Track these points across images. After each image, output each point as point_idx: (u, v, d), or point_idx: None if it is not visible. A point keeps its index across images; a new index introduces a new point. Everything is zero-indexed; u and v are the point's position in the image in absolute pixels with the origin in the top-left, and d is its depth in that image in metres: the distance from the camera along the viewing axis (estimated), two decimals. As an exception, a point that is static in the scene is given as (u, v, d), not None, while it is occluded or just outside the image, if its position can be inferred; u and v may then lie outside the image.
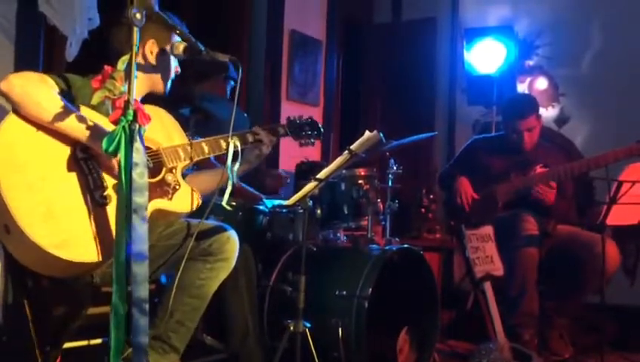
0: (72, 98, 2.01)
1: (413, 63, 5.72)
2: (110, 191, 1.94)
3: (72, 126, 1.88)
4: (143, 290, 1.60)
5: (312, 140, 2.63)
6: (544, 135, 3.56)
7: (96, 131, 1.89)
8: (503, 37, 4.74)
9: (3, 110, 2.69)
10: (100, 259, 1.88)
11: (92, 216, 1.89)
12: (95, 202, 1.92)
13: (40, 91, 1.90)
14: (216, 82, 3.37)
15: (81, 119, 1.89)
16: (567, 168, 3.34)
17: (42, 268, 1.92)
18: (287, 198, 2.58)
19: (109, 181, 1.96)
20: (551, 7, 5.05)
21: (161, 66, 2.25)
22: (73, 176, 1.91)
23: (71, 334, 2.13)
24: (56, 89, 1.98)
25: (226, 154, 2.20)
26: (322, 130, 2.66)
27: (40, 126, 1.90)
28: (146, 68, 2.20)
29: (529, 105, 3.55)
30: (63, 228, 1.84)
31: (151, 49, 2.20)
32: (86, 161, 1.94)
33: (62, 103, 1.88)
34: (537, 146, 3.53)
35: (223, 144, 2.28)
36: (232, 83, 3.40)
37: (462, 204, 3.58)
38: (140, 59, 2.18)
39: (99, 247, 1.87)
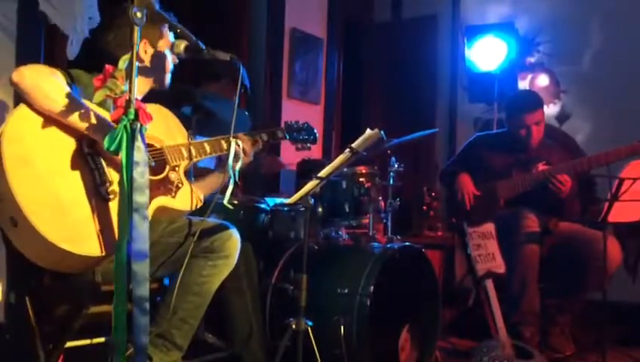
0: (78, 94, 2.02)
1: (414, 61, 5.71)
2: (115, 187, 1.96)
3: (80, 119, 1.90)
4: (143, 289, 1.61)
5: (308, 145, 2.67)
6: (546, 132, 3.56)
7: (103, 125, 1.91)
8: (503, 34, 4.73)
9: (3, 107, 2.69)
10: (104, 253, 1.90)
11: (97, 211, 1.91)
12: (100, 197, 1.94)
13: (50, 83, 1.91)
14: (225, 85, 3.37)
15: (89, 113, 1.91)
16: (570, 166, 3.34)
17: (46, 261, 1.93)
18: (289, 197, 2.58)
19: (115, 177, 1.98)
20: (551, 4, 5.04)
21: (157, 64, 2.27)
22: (80, 170, 1.93)
23: (73, 333, 2.14)
24: (66, 82, 1.99)
25: (227, 154, 2.22)
26: (317, 135, 2.70)
27: (48, 119, 1.91)
28: (142, 68, 2.21)
29: (536, 99, 3.56)
30: (69, 221, 1.86)
31: (145, 49, 2.22)
32: (92, 156, 1.97)
33: (71, 96, 1.90)
34: (540, 144, 3.52)
35: (224, 144, 2.31)
36: (242, 91, 3.40)
37: (463, 200, 3.58)
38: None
39: (102, 242, 1.89)
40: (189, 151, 2.23)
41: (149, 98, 2.28)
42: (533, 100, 3.54)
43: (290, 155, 4.35)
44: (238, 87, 3.39)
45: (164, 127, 2.22)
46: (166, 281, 2.37)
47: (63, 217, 1.85)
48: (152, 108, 2.16)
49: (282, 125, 2.67)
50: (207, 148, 2.29)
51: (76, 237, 1.85)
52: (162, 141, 2.19)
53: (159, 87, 2.31)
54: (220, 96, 3.31)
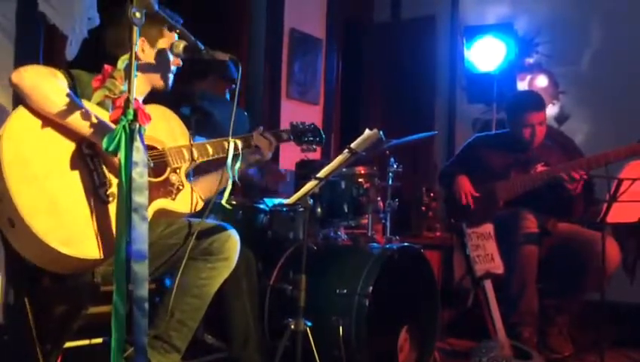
0: (78, 94, 2.02)
1: (413, 62, 5.72)
2: (114, 189, 1.95)
3: (78, 121, 1.89)
4: (142, 290, 1.61)
5: (314, 146, 2.65)
6: (545, 133, 3.56)
7: (101, 128, 1.90)
8: (502, 35, 4.73)
9: (2, 109, 2.69)
10: (102, 256, 1.89)
11: (95, 213, 1.90)
12: (99, 199, 1.93)
13: (50, 84, 1.91)
14: (216, 82, 3.37)
15: (88, 115, 1.90)
16: (568, 167, 3.34)
17: (44, 262, 1.92)
18: (288, 197, 2.58)
19: (114, 179, 1.97)
20: (550, 5, 5.05)
21: (157, 63, 2.26)
22: (79, 172, 1.92)
23: (72, 333, 2.13)
24: (66, 84, 1.99)
25: (227, 154, 2.22)
26: (324, 136, 2.67)
27: (48, 120, 1.90)
28: (142, 67, 2.21)
29: (540, 98, 3.57)
30: (66, 223, 1.85)
31: (142, 47, 2.22)
32: (92, 157, 1.96)
33: (70, 98, 1.89)
34: (539, 145, 3.52)
35: (227, 146, 2.29)
36: (233, 86, 3.40)
37: (462, 202, 3.58)
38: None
39: (101, 245, 1.88)
40: (191, 153, 2.23)
41: (149, 99, 2.27)
42: (537, 100, 3.55)
43: (289, 158, 4.36)
44: (229, 85, 3.41)
45: (166, 129, 2.21)
46: (167, 282, 2.36)
47: (61, 219, 1.84)
48: (155, 110, 2.16)
49: (282, 126, 2.66)
50: (210, 149, 2.27)
51: (73, 240, 1.84)
52: (164, 143, 2.18)
53: (160, 88, 2.30)
54: (217, 96, 3.31)
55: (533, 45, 5.03)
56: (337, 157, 2.46)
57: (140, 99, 2.20)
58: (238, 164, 2.23)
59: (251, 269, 2.71)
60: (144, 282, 1.61)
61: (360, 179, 3.08)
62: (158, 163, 2.15)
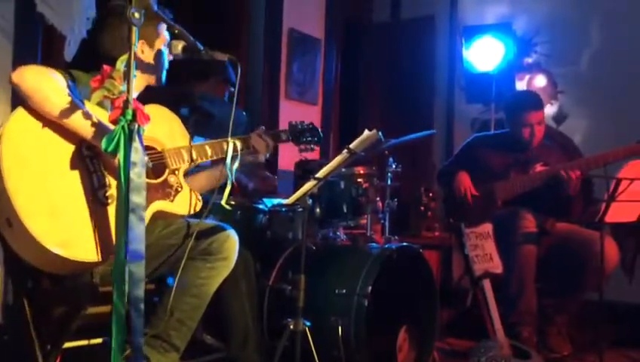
0: (78, 95, 2.02)
1: (412, 62, 5.72)
2: (113, 191, 1.95)
3: (78, 122, 1.89)
4: (139, 290, 1.61)
5: (312, 146, 2.65)
6: (544, 133, 3.56)
7: (101, 129, 1.90)
8: (501, 35, 4.73)
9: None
10: (99, 259, 1.88)
11: (94, 215, 1.90)
12: (98, 201, 1.92)
13: (51, 85, 1.90)
14: (215, 84, 3.37)
15: (88, 116, 1.90)
16: (567, 167, 3.34)
17: (41, 263, 1.92)
18: (287, 197, 2.58)
19: (113, 181, 1.97)
20: (549, 5, 5.05)
21: (155, 62, 2.27)
22: (78, 173, 1.92)
23: (71, 333, 2.14)
24: (66, 84, 1.98)
25: (225, 154, 2.22)
26: (322, 136, 2.67)
27: (47, 121, 1.90)
28: (139, 66, 2.22)
29: (539, 98, 3.57)
30: (64, 225, 1.85)
31: (142, 48, 2.23)
32: (91, 159, 1.96)
33: (70, 99, 1.89)
34: (538, 144, 3.53)
35: (226, 147, 2.30)
36: (232, 89, 3.40)
37: (462, 198, 3.58)
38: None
39: (99, 247, 1.88)
40: (190, 154, 2.22)
41: (149, 99, 2.28)
42: (536, 99, 3.55)
43: (289, 158, 4.36)
44: (229, 87, 3.41)
45: (166, 130, 2.21)
46: (170, 281, 2.36)
47: (58, 221, 1.84)
48: (156, 111, 2.16)
49: (281, 126, 2.66)
50: (209, 150, 2.28)
51: (70, 242, 1.84)
52: (164, 144, 2.19)
53: (155, 84, 2.31)
54: (216, 97, 3.31)
55: (532, 45, 5.03)
56: (336, 158, 2.46)
57: (135, 95, 2.20)
58: (236, 165, 2.23)
59: (250, 270, 2.71)
60: (140, 282, 1.61)
61: (359, 179, 3.08)
62: (157, 164, 2.14)
